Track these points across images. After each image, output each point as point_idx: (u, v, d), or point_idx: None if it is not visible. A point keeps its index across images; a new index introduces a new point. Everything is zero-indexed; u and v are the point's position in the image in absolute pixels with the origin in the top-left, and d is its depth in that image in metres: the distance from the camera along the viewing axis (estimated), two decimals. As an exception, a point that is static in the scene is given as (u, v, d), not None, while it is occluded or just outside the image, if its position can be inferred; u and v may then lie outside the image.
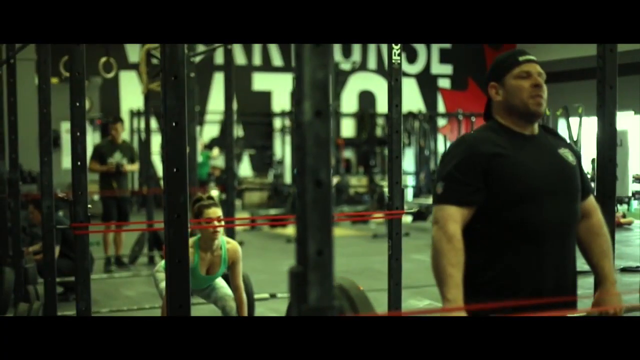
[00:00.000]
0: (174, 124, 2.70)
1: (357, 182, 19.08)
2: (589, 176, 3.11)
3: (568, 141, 3.01)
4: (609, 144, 3.33)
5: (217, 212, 5.14)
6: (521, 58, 2.87)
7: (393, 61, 4.82)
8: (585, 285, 3.18)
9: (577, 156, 2.96)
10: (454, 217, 2.73)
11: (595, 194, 3.36)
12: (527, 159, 2.81)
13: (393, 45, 4.79)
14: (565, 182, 2.85)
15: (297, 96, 1.74)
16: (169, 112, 2.69)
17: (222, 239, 5.27)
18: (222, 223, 5.19)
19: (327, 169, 1.73)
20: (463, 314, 2.65)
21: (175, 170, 2.70)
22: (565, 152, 2.91)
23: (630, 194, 4.08)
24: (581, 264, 2.97)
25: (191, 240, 5.14)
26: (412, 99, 20.78)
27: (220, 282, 5.48)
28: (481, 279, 2.77)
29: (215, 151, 16.26)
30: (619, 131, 3.37)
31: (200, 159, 14.64)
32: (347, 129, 20.40)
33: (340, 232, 13.89)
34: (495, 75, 2.92)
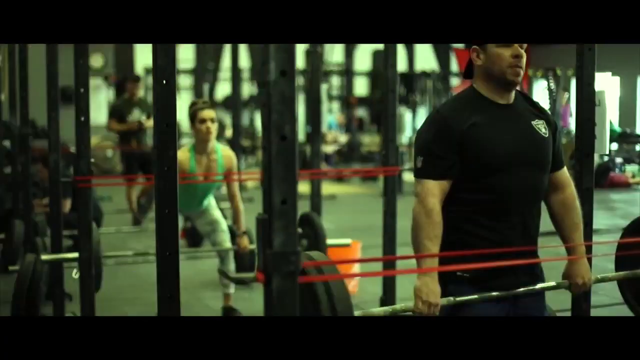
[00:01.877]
0: (164, 82, 2.82)
1: (369, 140, 19.15)
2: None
3: (545, 110, 3.07)
4: (587, 103, 3.44)
5: (211, 113, 5.37)
6: None
7: (389, 21, 4.91)
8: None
9: (553, 127, 3.02)
10: (433, 191, 2.85)
11: (575, 152, 3.49)
12: (499, 130, 2.90)
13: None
14: (535, 153, 2.94)
15: (263, 57, 1.87)
16: (160, 71, 2.81)
17: (216, 144, 5.52)
18: (215, 125, 5.42)
19: (291, 124, 1.86)
20: (435, 275, 2.81)
21: (165, 125, 2.83)
22: (538, 124, 2.97)
23: (607, 152, 4.14)
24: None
25: (187, 145, 5.42)
26: (425, 58, 20.72)
27: (216, 212, 5.75)
28: (451, 238, 2.89)
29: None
30: (597, 91, 3.47)
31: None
32: (361, 87, 20.37)
33: (349, 189, 14.02)
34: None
